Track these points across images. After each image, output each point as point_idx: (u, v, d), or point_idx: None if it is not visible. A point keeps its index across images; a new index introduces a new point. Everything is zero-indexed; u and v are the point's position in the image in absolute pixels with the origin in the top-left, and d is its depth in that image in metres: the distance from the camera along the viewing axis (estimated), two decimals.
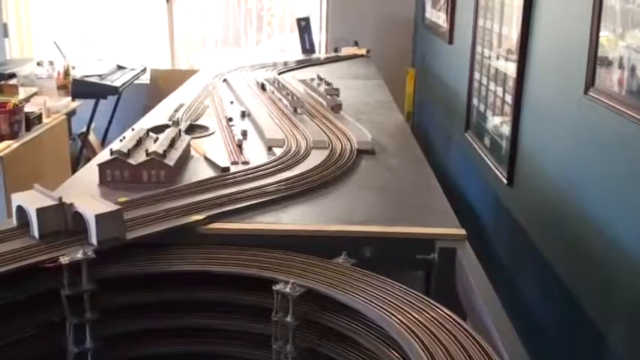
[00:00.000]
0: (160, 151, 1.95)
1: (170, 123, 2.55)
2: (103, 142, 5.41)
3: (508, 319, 1.29)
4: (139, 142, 2.05)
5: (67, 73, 4.68)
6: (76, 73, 4.85)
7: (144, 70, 5.69)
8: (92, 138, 5.34)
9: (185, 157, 2.12)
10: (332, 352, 1.37)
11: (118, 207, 1.48)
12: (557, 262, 2.23)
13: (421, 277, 1.62)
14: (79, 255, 1.38)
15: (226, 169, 2.02)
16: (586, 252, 2.01)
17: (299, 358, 1.37)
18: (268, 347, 1.40)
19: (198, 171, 2.05)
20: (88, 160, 2.27)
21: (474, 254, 1.55)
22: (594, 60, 1.91)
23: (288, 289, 1.32)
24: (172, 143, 2.07)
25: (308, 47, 5.22)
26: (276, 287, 1.34)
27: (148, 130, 2.20)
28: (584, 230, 2.02)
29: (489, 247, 3.02)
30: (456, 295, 1.50)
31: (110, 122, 5.43)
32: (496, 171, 2.90)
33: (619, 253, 1.78)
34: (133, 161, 1.91)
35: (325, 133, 2.43)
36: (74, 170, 4.05)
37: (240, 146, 2.29)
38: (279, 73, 3.90)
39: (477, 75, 3.39)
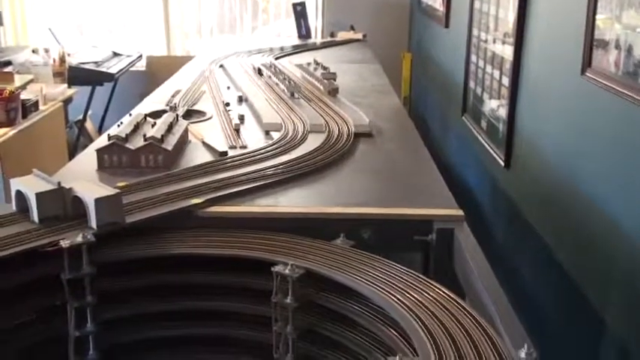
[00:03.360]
0: (158, 135, 1.95)
1: (167, 108, 2.54)
2: (100, 129, 5.40)
3: (506, 298, 1.30)
4: (137, 127, 2.04)
5: (62, 60, 4.65)
6: (72, 60, 4.83)
7: (140, 57, 5.67)
8: (89, 125, 5.33)
9: (183, 141, 2.12)
10: (332, 333, 1.38)
11: (117, 191, 1.49)
12: (554, 243, 2.24)
13: (419, 258, 1.63)
14: (79, 239, 1.39)
15: (224, 154, 2.03)
16: (584, 232, 2.02)
17: (299, 339, 1.38)
18: (269, 329, 1.41)
19: (196, 155, 2.05)
20: (85, 147, 2.27)
21: (472, 234, 1.56)
22: (591, 41, 1.92)
23: (287, 271, 1.33)
24: (170, 128, 2.07)
25: (304, 32, 5.21)
26: (275, 269, 1.35)
27: (146, 115, 2.20)
28: (581, 211, 2.03)
29: (487, 229, 3.03)
30: (455, 276, 1.51)
31: (107, 109, 5.41)
32: (493, 153, 2.91)
33: (617, 233, 1.79)
34: (131, 146, 1.91)
35: (322, 116, 2.43)
36: (71, 158, 4.03)
37: (237, 131, 2.29)
38: (276, 58, 3.89)
39: (473, 58, 3.39)
